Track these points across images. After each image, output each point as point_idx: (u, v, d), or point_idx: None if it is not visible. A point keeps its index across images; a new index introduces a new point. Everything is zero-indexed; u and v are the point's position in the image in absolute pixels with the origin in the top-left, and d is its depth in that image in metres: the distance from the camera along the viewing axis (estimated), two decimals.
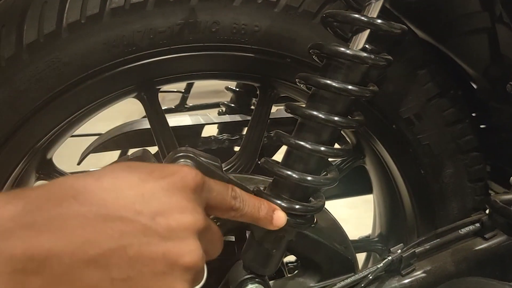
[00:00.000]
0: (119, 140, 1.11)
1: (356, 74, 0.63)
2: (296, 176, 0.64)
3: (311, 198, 0.68)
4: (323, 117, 0.63)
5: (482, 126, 0.97)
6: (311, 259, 0.81)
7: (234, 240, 0.84)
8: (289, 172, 0.64)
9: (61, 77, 0.74)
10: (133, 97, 0.87)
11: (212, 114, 1.21)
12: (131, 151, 1.23)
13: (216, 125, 1.19)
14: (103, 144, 1.11)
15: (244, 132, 1.20)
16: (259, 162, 1.00)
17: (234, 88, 1.18)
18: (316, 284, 0.81)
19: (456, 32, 0.84)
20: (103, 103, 0.83)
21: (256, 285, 0.69)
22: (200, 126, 1.11)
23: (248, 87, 1.17)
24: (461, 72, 0.89)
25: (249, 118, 1.16)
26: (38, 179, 0.90)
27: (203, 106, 1.23)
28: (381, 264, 0.75)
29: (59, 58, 0.73)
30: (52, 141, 0.84)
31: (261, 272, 0.70)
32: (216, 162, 0.75)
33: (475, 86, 0.93)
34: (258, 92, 0.93)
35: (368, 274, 0.75)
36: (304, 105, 0.66)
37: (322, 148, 0.64)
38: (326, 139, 0.64)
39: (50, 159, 0.90)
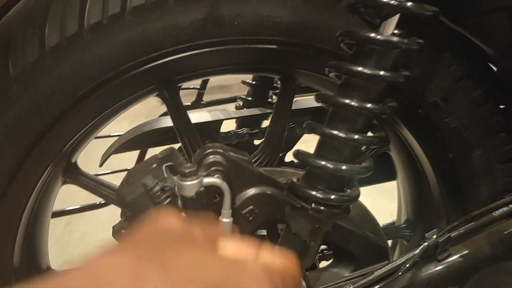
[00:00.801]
0: (139, 140, 1.11)
1: (388, 60, 0.62)
2: (331, 166, 0.63)
3: (346, 188, 0.68)
4: (356, 105, 0.62)
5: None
6: (345, 249, 0.80)
7: (266, 234, 0.83)
8: (323, 163, 0.64)
9: (86, 80, 0.74)
10: (155, 96, 0.87)
11: (230, 109, 1.20)
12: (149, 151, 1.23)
13: (234, 120, 1.18)
14: (124, 144, 1.10)
15: (263, 125, 1.19)
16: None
17: (250, 81, 1.17)
18: (351, 274, 0.80)
19: (475, 12, 0.83)
20: (126, 103, 0.83)
21: None
22: (219, 122, 1.11)
23: (264, 80, 1.16)
24: (481, 54, 0.88)
25: (268, 111, 1.15)
26: (64, 183, 0.90)
27: (220, 101, 1.22)
28: (418, 251, 0.74)
29: (83, 60, 0.72)
30: (78, 145, 0.84)
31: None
32: (245, 156, 0.75)
33: (494, 68, 0.92)
34: (279, 84, 0.92)
35: (405, 262, 0.75)
36: (335, 94, 0.65)
37: (357, 137, 0.63)
38: (360, 127, 0.63)
39: (75, 163, 0.90)
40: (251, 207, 0.75)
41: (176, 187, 0.65)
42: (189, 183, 0.64)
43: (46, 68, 0.71)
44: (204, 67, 0.83)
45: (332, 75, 0.67)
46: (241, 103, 1.18)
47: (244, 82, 1.18)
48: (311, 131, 0.66)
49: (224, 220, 0.69)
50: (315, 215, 0.65)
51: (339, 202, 0.65)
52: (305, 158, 0.65)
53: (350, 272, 0.81)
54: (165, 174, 0.68)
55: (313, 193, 0.64)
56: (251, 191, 0.75)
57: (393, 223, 1.20)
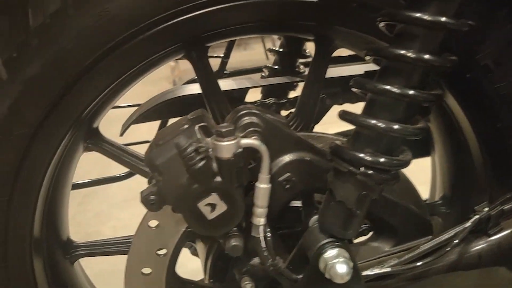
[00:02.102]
0: (160, 109, 1.05)
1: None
2: (382, 125, 0.57)
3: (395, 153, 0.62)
4: (413, 55, 0.55)
5: None
6: (387, 222, 0.75)
7: (300, 206, 0.78)
8: (374, 121, 0.58)
9: (110, 33, 0.68)
10: (182, 57, 0.81)
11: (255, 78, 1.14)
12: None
13: (260, 90, 1.12)
14: (144, 114, 1.05)
15: (291, 95, 1.13)
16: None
17: (277, 49, 1.11)
18: (393, 249, 0.75)
19: None
20: (150, 63, 0.77)
21: (337, 249, 0.63)
22: (245, 90, 1.05)
23: (292, 47, 1.09)
24: None
25: (298, 79, 1.09)
26: (85, 149, 0.84)
27: (244, 71, 1.16)
28: (469, 224, 0.69)
29: (107, 11, 0.66)
30: (99, 108, 0.79)
31: (342, 235, 0.64)
32: (282, 119, 0.69)
33: None
34: (307, 53, 0.85)
35: (454, 235, 0.69)
36: (388, 46, 0.59)
37: (412, 92, 0.56)
38: (415, 82, 0.57)
39: (97, 128, 0.85)
40: (288, 174, 0.69)
41: (211, 149, 0.60)
42: (226, 143, 0.59)
43: (68, 20, 0.65)
44: (233, 24, 0.77)
45: (382, 28, 0.60)
46: (267, 72, 1.12)
47: (270, 50, 1.12)
48: (360, 87, 0.60)
49: (262, 186, 0.63)
50: (363, 181, 0.59)
51: (390, 167, 0.59)
52: (353, 117, 0.59)
53: (391, 247, 0.75)
54: (198, 135, 0.62)
55: (362, 155, 0.58)
56: (289, 157, 0.69)
57: (425, 201, 1.14)
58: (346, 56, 1.16)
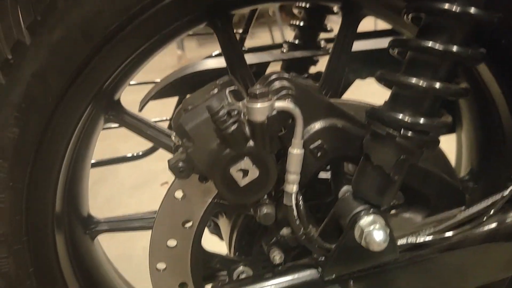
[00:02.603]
0: (178, 84, 1.03)
1: None
2: (425, 84, 0.55)
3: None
4: (457, 9, 0.53)
5: None
6: (419, 191, 0.72)
7: (329, 177, 0.76)
8: (414, 80, 0.55)
9: None
10: (206, 25, 0.79)
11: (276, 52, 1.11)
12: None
13: (278, 67, 1.10)
14: (162, 90, 1.03)
15: (311, 70, 1.10)
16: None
17: (297, 23, 1.08)
18: (427, 219, 0.73)
19: None
20: (173, 31, 0.75)
21: (373, 216, 0.61)
22: (265, 64, 1.02)
23: (314, 21, 1.06)
24: None
25: (320, 53, 1.06)
26: (107, 121, 0.82)
27: (264, 48, 1.13)
28: (507, 192, 0.66)
29: None
30: (121, 79, 0.77)
31: (377, 202, 0.62)
32: (314, 85, 0.66)
33: None
34: (341, 13, 0.82)
35: (491, 205, 0.66)
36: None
37: (456, 49, 0.54)
38: (461, 38, 0.55)
39: (118, 100, 0.83)
40: (319, 141, 0.67)
41: (243, 112, 0.58)
42: (260, 105, 0.56)
43: None
44: None
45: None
46: (286, 48, 1.09)
47: (291, 25, 1.09)
48: (399, 45, 0.57)
49: (295, 151, 0.61)
50: (403, 143, 0.57)
51: (430, 129, 0.57)
52: (391, 76, 0.57)
53: (423, 218, 0.73)
54: (230, 99, 0.60)
55: (401, 117, 0.56)
56: (320, 123, 0.67)
57: None
58: (369, 31, 1.14)
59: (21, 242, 0.75)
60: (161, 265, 0.76)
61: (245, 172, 0.60)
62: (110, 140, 1.95)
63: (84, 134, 0.79)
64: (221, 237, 0.99)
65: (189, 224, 0.73)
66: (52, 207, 0.78)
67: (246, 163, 0.59)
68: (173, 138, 0.74)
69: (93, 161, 1.18)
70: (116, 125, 0.92)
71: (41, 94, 0.67)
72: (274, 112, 0.57)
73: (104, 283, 0.93)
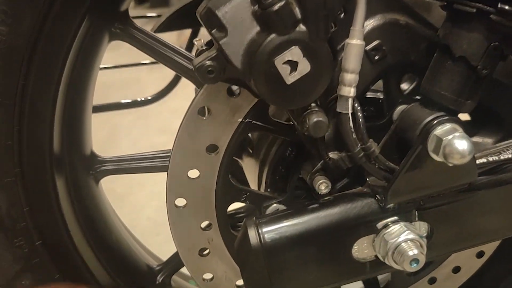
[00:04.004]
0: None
1: None
2: None
3: None
4: None
5: None
6: (492, 109, 0.60)
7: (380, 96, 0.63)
8: None
9: None
10: None
11: None
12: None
13: None
14: (174, 18, 0.91)
15: None
16: None
17: None
18: (500, 144, 0.60)
19: None
20: None
21: (451, 124, 0.49)
22: None
23: None
24: None
25: None
26: (111, 37, 0.69)
27: None
28: None
29: None
30: None
31: (457, 105, 0.50)
32: None
33: None
34: None
35: None
36: None
37: None
38: None
39: (126, 11, 0.70)
40: (377, 41, 0.55)
41: None
42: None
43: None
44: None
45: None
46: None
47: None
48: None
49: (355, 41, 0.49)
50: (498, 23, 0.44)
51: None
52: None
53: (495, 142, 0.61)
54: None
55: None
56: (379, 19, 0.54)
57: None
58: None
59: (13, 174, 0.63)
60: (180, 201, 0.63)
61: (294, 65, 0.47)
62: None
63: (85, 49, 0.66)
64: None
65: (214, 150, 0.61)
66: (50, 148, 0.66)
67: (294, 53, 0.47)
68: (195, 43, 0.62)
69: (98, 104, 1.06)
70: None
71: None
72: None
73: (109, 233, 0.81)
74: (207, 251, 0.67)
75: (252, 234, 0.53)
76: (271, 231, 0.54)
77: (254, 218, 0.56)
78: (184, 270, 0.84)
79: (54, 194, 0.68)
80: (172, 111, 1.96)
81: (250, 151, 0.73)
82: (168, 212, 0.64)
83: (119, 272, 0.80)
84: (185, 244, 0.66)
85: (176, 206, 0.63)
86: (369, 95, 0.65)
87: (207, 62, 0.50)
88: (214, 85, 0.55)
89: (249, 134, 0.71)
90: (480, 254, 0.74)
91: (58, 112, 0.66)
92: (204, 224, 0.65)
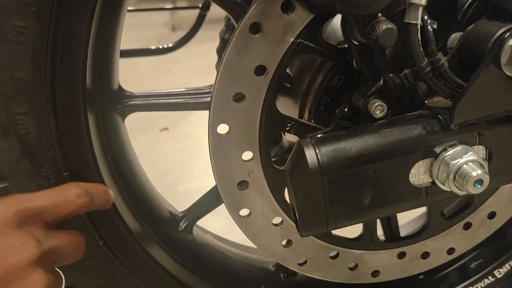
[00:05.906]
0: None
1: None
2: None
3: None
4: None
5: None
6: None
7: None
8: None
9: None
10: None
11: None
12: None
13: None
14: None
15: None
16: None
17: None
18: None
19: None
20: None
21: None
22: None
23: None
24: None
25: None
26: None
27: None
28: None
29: None
30: None
31: None
32: None
33: None
34: None
35: None
36: None
37: None
38: None
39: None
40: None
41: None
42: None
43: None
44: None
45: None
46: None
47: None
48: None
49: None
50: None
51: None
52: None
53: None
54: None
55: None
56: None
57: None
58: None
59: (44, 96, 0.59)
60: (223, 128, 0.60)
61: None
62: None
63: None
64: None
65: (263, 72, 0.58)
66: (84, 59, 0.61)
67: None
68: None
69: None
70: None
71: None
72: None
73: (133, 174, 0.78)
74: (246, 185, 0.64)
75: (309, 153, 0.51)
76: (329, 151, 0.51)
77: (309, 138, 0.53)
78: (200, 222, 0.81)
79: (84, 124, 0.64)
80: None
81: (288, 85, 0.70)
82: (210, 140, 0.61)
83: (144, 216, 0.76)
84: (225, 175, 0.63)
85: (218, 133, 0.60)
86: None
87: None
88: None
89: (287, 70, 0.68)
90: None
91: (92, 36, 0.62)
92: (245, 154, 0.62)
